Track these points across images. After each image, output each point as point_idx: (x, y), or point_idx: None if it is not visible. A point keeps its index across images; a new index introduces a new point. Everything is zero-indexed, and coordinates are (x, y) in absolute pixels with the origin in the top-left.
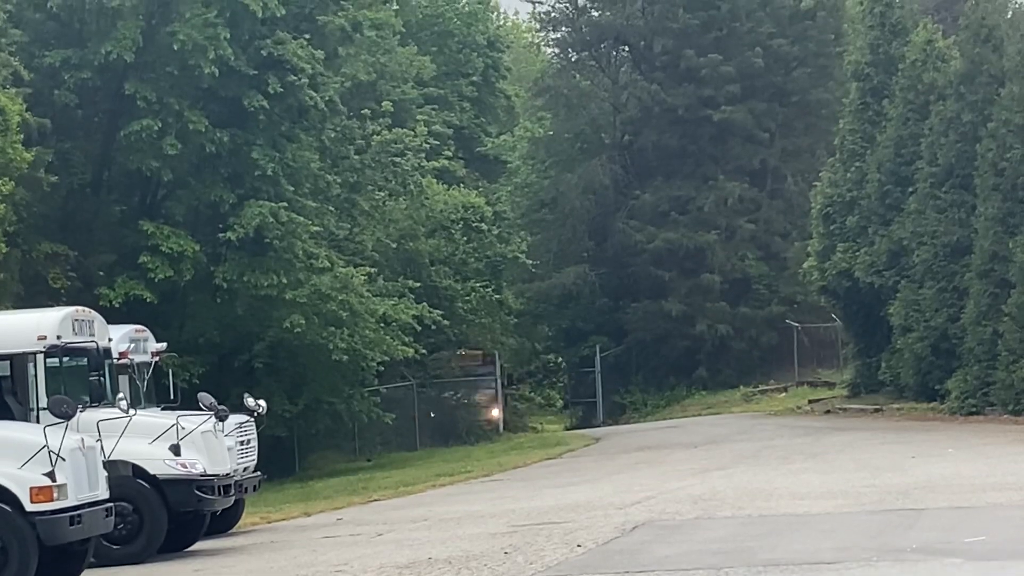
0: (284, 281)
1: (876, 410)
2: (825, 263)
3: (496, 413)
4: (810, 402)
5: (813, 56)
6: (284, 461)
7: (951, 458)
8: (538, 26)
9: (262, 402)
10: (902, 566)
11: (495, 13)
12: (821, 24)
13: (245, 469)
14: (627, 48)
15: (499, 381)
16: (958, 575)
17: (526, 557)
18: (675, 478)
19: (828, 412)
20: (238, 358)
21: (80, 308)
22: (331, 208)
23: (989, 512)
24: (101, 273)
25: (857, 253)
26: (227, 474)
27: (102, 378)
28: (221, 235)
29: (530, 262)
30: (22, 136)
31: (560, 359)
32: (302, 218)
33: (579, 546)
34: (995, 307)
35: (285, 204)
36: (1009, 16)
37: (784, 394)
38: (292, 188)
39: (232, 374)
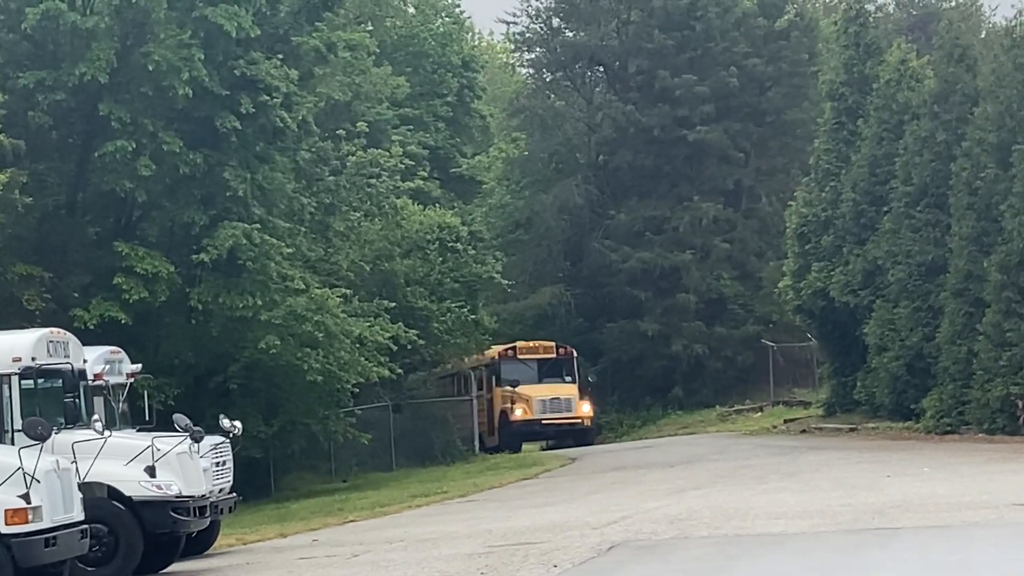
0: (259, 302)
1: (851, 429)
2: (800, 283)
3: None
4: (786, 421)
5: (788, 76)
6: (260, 482)
7: (926, 477)
8: (513, 47)
9: (237, 423)
10: None
11: (470, 34)
12: (795, 44)
13: (221, 490)
14: (602, 68)
15: (474, 403)
16: None
17: None
18: (651, 498)
19: (804, 431)
20: (213, 379)
21: (55, 330)
22: (304, 229)
23: (965, 531)
24: (76, 294)
25: (832, 272)
26: (202, 495)
27: (77, 400)
28: (194, 257)
29: (505, 282)
30: None
31: None
32: (275, 240)
33: (555, 566)
34: (970, 326)
35: (258, 225)
36: (983, 36)
37: (760, 413)
38: (264, 209)
39: (207, 395)
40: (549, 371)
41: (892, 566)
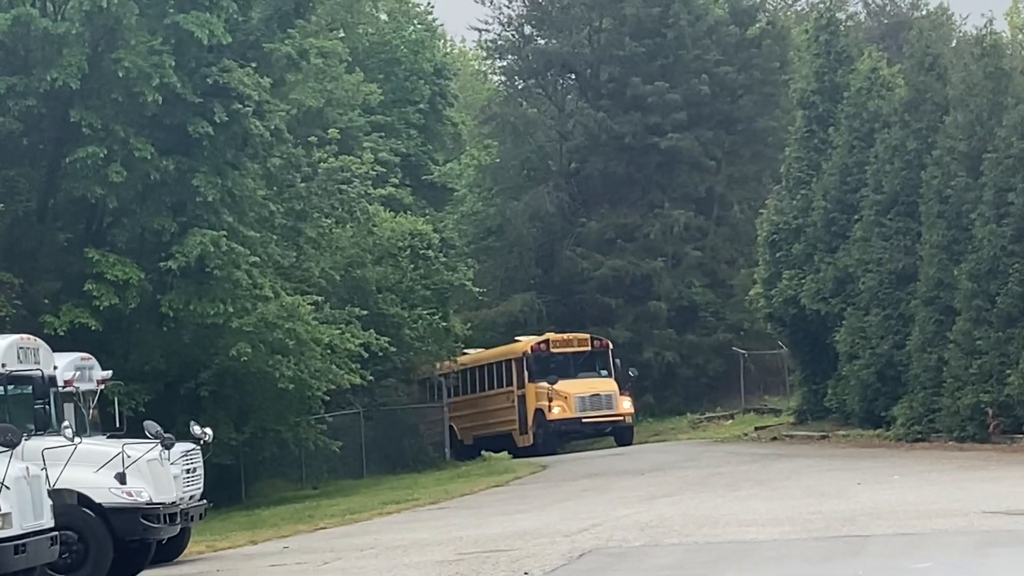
0: (230, 310)
1: (822, 437)
2: (771, 290)
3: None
4: (756, 429)
5: (759, 84)
6: (230, 489)
7: (897, 485)
8: (484, 54)
9: (208, 430)
10: None
11: (442, 41)
12: (767, 52)
13: (191, 497)
14: (573, 76)
15: (446, 409)
16: None
17: None
18: (622, 505)
19: (774, 439)
20: (184, 386)
21: (25, 336)
22: (275, 236)
23: (935, 538)
24: (46, 301)
25: (803, 280)
26: (173, 502)
27: (47, 406)
28: (162, 264)
29: (477, 289)
30: None
31: None
32: (242, 248)
33: (526, 574)
34: (940, 334)
35: (225, 233)
36: (953, 44)
37: (731, 421)
38: (235, 216)
39: (178, 402)
40: (584, 365)
41: (863, 574)
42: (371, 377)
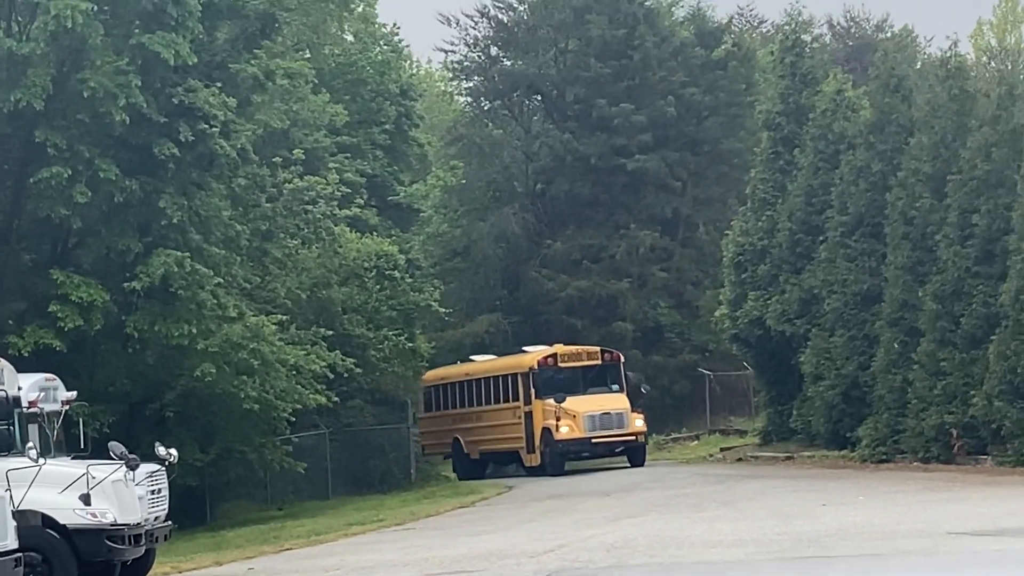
0: (194, 331)
1: (787, 458)
2: (737, 311)
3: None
4: (722, 450)
5: (725, 106)
6: (195, 510)
7: (862, 505)
8: (451, 75)
9: (173, 451)
10: None
11: (408, 62)
12: (733, 74)
13: (156, 518)
14: (539, 97)
15: (410, 430)
16: None
17: None
18: (588, 526)
19: (740, 460)
20: (149, 407)
21: None
22: (239, 258)
23: (900, 559)
24: (11, 322)
25: (768, 301)
26: (138, 523)
27: (11, 427)
28: (126, 284)
29: (443, 310)
30: None
31: None
32: (205, 269)
33: None
34: (905, 355)
35: (188, 254)
36: (918, 67)
37: (696, 442)
38: (200, 237)
39: (143, 423)
40: (594, 380)
41: None
42: (336, 398)
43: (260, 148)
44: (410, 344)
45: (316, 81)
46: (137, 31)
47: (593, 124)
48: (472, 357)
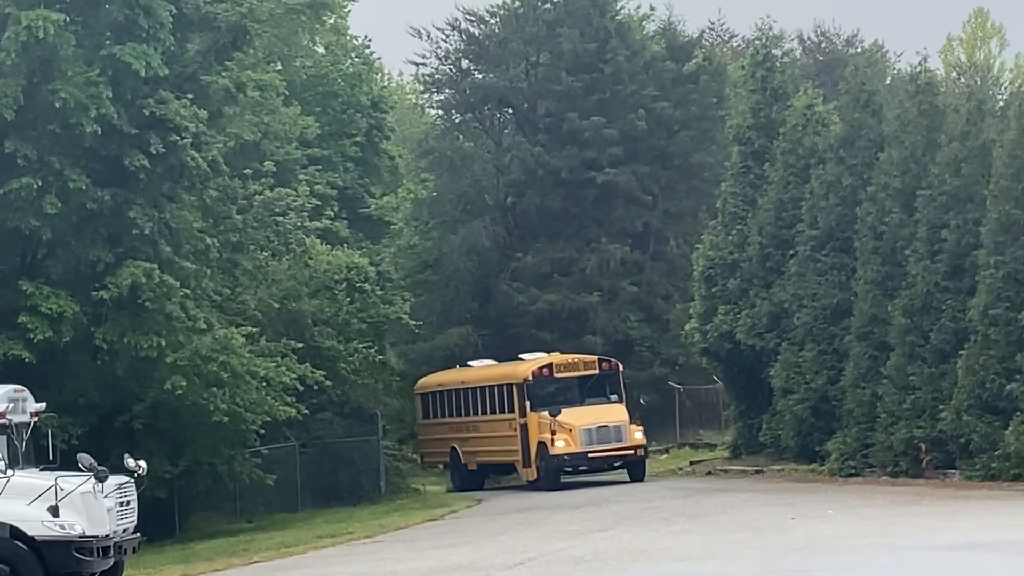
0: (163, 343)
1: (757, 471)
2: (707, 325)
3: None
4: (692, 463)
5: (696, 119)
6: (164, 523)
7: (831, 519)
8: (422, 87)
9: (142, 463)
10: None
11: (379, 75)
12: (703, 88)
13: (125, 530)
14: (511, 110)
15: (380, 442)
16: None
17: None
18: (557, 539)
19: (710, 473)
20: (118, 419)
21: None
22: (208, 270)
23: (871, 572)
24: None
25: (738, 315)
26: (106, 535)
27: None
28: (94, 294)
29: (413, 323)
30: None
31: None
32: (174, 280)
33: None
34: (874, 369)
35: (156, 266)
36: (888, 82)
37: (666, 455)
38: (170, 248)
39: (112, 435)
40: (592, 390)
41: None
42: (306, 411)
43: (231, 160)
44: (380, 357)
45: (287, 93)
46: (108, 42)
47: (564, 137)
48: (470, 363)
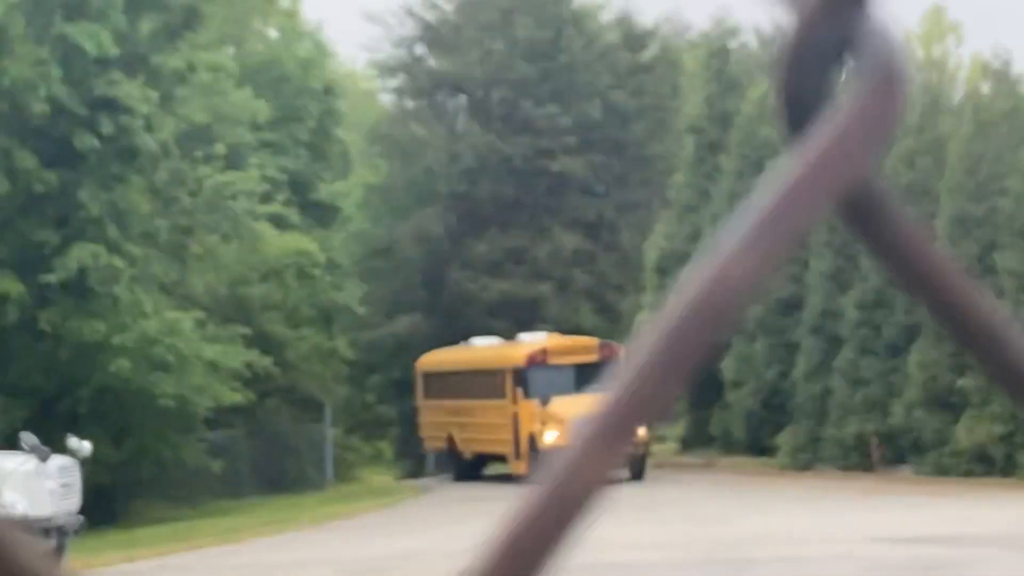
0: (103, 329)
1: (707, 464)
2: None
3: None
4: None
5: (651, 109)
6: (108, 507)
7: (781, 511)
8: (375, 73)
9: (86, 443)
10: None
11: (332, 59)
12: (659, 78)
13: (67, 512)
14: (464, 97)
15: (329, 430)
16: None
17: None
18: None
19: (659, 466)
20: (62, 403)
21: None
22: (157, 253)
23: (817, 564)
24: None
25: None
26: (48, 517)
27: None
28: (42, 277)
29: (361, 310)
30: None
31: (392, 409)
32: (121, 263)
33: None
34: (826, 363)
35: (104, 247)
36: None
37: None
38: (119, 231)
39: (56, 419)
40: (590, 378)
41: None
42: (253, 396)
43: (182, 142)
44: (329, 343)
45: (239, 76)
46: (58, 21)
47: (518, 125)
48: (473, 340)
